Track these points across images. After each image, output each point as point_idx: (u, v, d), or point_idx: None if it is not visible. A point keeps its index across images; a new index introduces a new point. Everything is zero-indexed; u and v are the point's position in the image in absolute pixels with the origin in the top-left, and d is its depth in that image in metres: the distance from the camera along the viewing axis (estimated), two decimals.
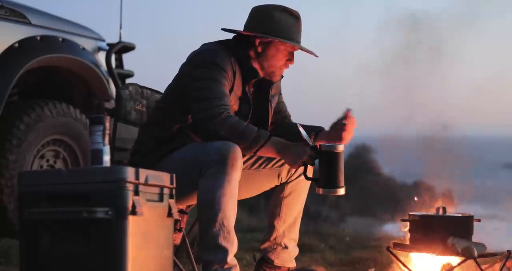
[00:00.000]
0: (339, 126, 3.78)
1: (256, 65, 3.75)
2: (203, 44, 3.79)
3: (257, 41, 3.74)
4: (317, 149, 3.64)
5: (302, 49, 3.76)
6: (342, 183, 3.64)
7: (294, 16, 3.76)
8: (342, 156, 3.65)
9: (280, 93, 4.03)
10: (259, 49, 3.75)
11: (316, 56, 3.83)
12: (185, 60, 3.76)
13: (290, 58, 3.78)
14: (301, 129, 3.72)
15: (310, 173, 3.75)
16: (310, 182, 3.83)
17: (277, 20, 3.72)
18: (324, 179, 3.64)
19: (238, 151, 3.50)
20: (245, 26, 3.79)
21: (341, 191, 3.64)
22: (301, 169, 3.76)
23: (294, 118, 4.09)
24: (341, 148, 3.64)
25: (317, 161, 3.68)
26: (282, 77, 3.96)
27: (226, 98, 3.61)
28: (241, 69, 3.72)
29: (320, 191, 3.65)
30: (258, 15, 3.77)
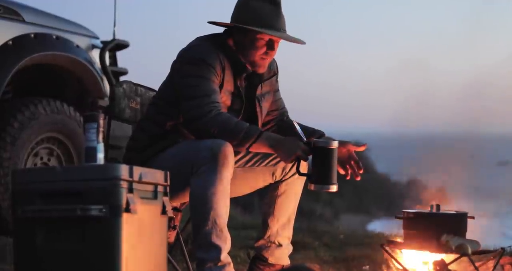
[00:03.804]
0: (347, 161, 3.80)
1: (239, 56, 3.73)
2: (195, 39, 3.78)
3: (234, 31, 3.72)
4: (311, 144, 3.64)
5: (278, 37, 3.70)
6: (335, 179, 3.64)
7: (272, 3, 3.70)
8: (336, 152, 3.64)
9: (277, 90, 4.01)
10: (237, 39, 3.73)
11: (302, 43, 3.79)
12: (176, 57, 3.76)
13: (270, 47, 3.72)
14: (295, 124, 3.72)
15: (303, 168, 3.74)
16: (304, 180, 3.84)
17: (253, 8, 3.68)
18: (317, 175, 3.64)
19: (229, 148, 3.49)
20: (230, 17, 3.78)
21: (334, 188, 3.64)
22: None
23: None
24: (335, 144, 3.64)
25: (310, 157, 3.68)
26: (275, 74, 3.94)
27: (215, 95, 3.60)
28: (230, 64, 3.71)
29: (312, 186, 3.65)
30: (237, 5, 3.76)
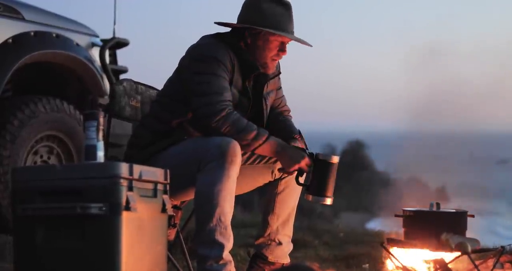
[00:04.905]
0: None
1: (249, 56, 3.74)
2: (202, 37, 3.78)
3: (246, 33, 3.73)
4: (313, 156, 3.68)
5: (292, 39, 3.73)
6: (331, 193, 3.73)
7: (284, 6, 3.73)
8: (336, 167, 3.71)
9: (280, 88, 4.02)
10: (249, 41, 3.73)
11: (310, 45, 3.81)
12: (184, 54, 3.75)
13: (282, 49, 3.76)
14: (300, 136, 3.78)
15: (302, 178, 3.78)
16: (303, 179, 3.85)
17: (265, 10, 3.70)
18: (316, 187, 3.72)
19: (237, 146, 3.51)
20: (237, 18, 3.78)
21: (328, 201, 3.73)
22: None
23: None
24: (336, 159, 3.71)
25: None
26: (280, 73, 3.95)
27: (226, 93, 3.61)
28: (239, 63, 3.71)
29: (310, 197, 3.74)
30: (247, 6, 3.76)
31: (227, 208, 3.49)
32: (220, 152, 3.46)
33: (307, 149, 3.77)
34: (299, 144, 3.81)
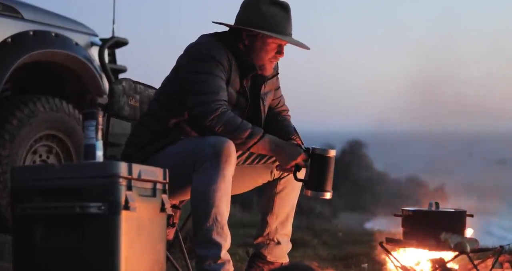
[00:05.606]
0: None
1: (247, 57, 3.74)
2: (201, 36, 3.78)
3: (244, 34, 3.73)
4: (309, 151, 3.69)
5: (289, 42, 3.74)
6: (330, 187, 3.73)
7: (283, 8, 3.73)
8: (333, 160, 3.71)
9: (278, 88, 4.02)
10: (246, 42, 3.74)
11: (307, 48, 3.81)
12: (182, 52, 3.76)
13: (279, 51, 3.76)
14: (296, 134, 3.78)
15: (300, 174, 3.78)
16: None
17: (264, 13, 3.70)
18: (314, 182, 3.72)
19: (232, 146, 3.50)
20: (235, 18, 3.79)
21: (328, 195, 3.73)
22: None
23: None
24: (333, 153, 3.72)
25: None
26: (278, 73, 3.96)
27: (222, 93, 3.61)
28: (237, 63, 3.72)
29: (309, 193, 3.74)
30: (246, 7, 3.77)
31: (223, 207, 3.49)
32: (215, 152, 3.47)
33: (303, 144, 3.77)
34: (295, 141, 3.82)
